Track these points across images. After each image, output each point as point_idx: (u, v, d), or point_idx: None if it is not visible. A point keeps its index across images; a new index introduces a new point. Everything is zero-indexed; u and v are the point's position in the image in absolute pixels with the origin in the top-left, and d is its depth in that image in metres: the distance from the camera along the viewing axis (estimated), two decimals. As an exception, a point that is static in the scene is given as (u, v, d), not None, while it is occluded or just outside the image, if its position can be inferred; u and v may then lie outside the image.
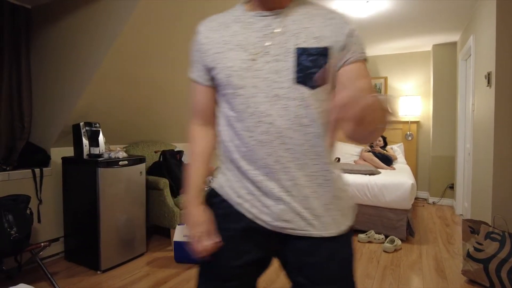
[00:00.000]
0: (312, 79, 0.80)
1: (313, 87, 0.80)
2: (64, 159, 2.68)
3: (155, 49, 2.64)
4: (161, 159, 3.28)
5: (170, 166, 3.23)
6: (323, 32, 0.81)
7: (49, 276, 2.17)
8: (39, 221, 2.64)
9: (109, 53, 2.36)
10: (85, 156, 2.54)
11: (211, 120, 0.95)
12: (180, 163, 3.40)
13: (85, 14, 2.45)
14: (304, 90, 0.80)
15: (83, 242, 2.56)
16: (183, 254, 2.63)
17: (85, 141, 2.55)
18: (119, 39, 2.31)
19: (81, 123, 2.56)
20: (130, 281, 2.33)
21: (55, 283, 2.16)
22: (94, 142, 2.59)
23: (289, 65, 0.80)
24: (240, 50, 0.83)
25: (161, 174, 3.18)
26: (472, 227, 2.40)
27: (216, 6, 2.63)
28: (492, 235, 2.27)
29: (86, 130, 2.57)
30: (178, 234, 2.65)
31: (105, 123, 2.93)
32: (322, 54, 0.80)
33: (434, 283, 2.35)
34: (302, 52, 0.80)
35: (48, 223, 2.71)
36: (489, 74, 2.67)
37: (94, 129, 2.60)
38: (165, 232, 3.36)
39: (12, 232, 2.02)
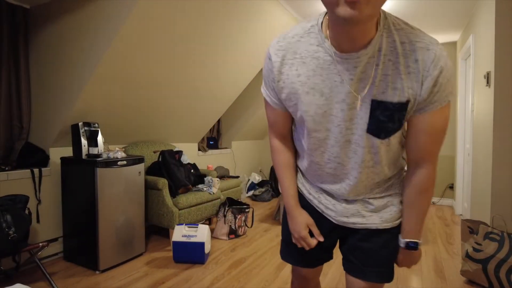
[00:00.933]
0: (384, 131, 0.80)
1: (383, 138, 0.81)
2: (63, 159, 2.68)
3: (153, 48, 2.64)
4: (160, 159, 3.28)
5: (169, 166, 3.23)
6: (405, 81, 0.74)
7: (48, 276, 2.18)
8: (38, 221, 2.64)
9: (108, 52, 2.36)
10: (83, 156, 2.54)
11: (288, 135, 1.03)
12: (179, 163, 3.40)
13: (83, 14, 2.45)
14: (374, 140, 0.82)
15: (82, 242, 2.56)
16: (181, 254, 2.63)
17: (84, 141, 2.55)
18: (117, 38, 2.31)
19: (80, 123, 2.56)
20: (129, 281, 2.33)
21: (53, 283, 2.16)
22: (93, 142, 2.59)
23: (363, 114, 0.79)
24: (317, 94, 0.80)
25: (160, 174, 3.18)
26: (471, 227, 2.40)
27: (215, 5, 2.63)
28: (491, 235, 2.26)
29: (85, 130, 2.57)
30: (177, 234, 2.65)
31: (104, 123, 2.93)
32: (399, 109, 0.77)
33: (433, 283, 2.35)
34: (377, 106, 0.77)
35: (47, 223, 2.72)
36: (488, 73, 2.67)
37: (93, 129, 2.60)
38: (164, 232, 3.37)
39: (10, 232, 2.02)
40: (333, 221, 1.01)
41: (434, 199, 4.81)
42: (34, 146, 2.72)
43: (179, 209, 3.04)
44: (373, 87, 0.75)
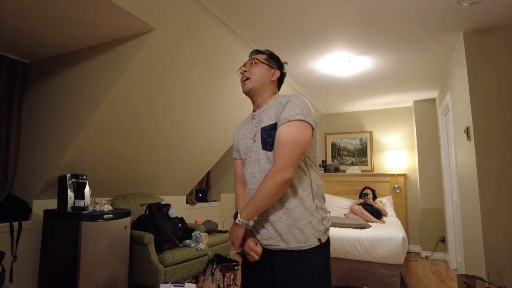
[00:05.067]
0: (268, 145, 1.26)
1: (269, 150, 1.26)
2: (46, 212, 2.58)
3: (146, 103, 2.72)
4: (147, 213, 3.19)
5: (156, 220, 3.13)
6: (273, 112, 1.28)
7: None
8: (10, 280, 2.45)
9: (101, 107, 2.41)
10: (69, 209, 2.46)
11: (243, 179, 1.43)
12: (166, 217, 3.30)
13: (80, 70, 2.55)
14: (266, 152, 1.27)
15: (58, 303, 2.37)
16: (166, 316, 2.44)
17: (70, 193, 2.49)
18: (111, 94, 2.38)
19: (68, 175, 2.52)
20: None
21: None
22: (79, 194, 2.52)
23: (258, 139, 1.31)
24: (246, 138, 1.39)
25: (147, 229, 3.06)
26: (467, 283, 2.34)
27: (205, 61, 2.78)
28: (488, 291, 2.20)
29: (72, 182, 2.52)
30: (162, 294, 2.49)
31: (91, 175, 2.88)
32: (272, 128, 1.25)
33: None
34: (262, 130, 1.29)
35: (21, 282, 2.52)
36: (467, 128, 2.80)
37: (81, 181, 2.55)
38: (148, 292, 3.15)
39: (-19, 292, 1.86)
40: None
41: (427, 253, 4.72)
42: (17, 198, 2.63)
43: (165, 266, 2.88)
44: (262, 122, 1.31)
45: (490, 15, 2.50)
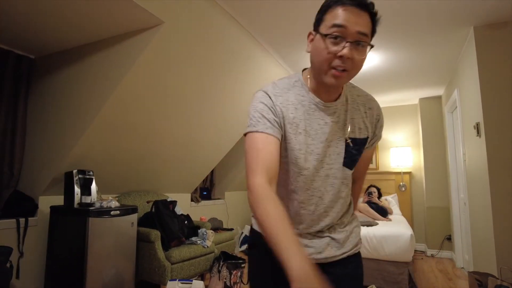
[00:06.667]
0: (353, 162, 0.98)
1: (351, 168, 0.99)
2: (53, 208, 2.55)
3: (154, 99, 2.69)
4: (153, 210, 3.16)
5: (162, 217, 3.11)
6: (365, 123, 0.99)
7: None
8: (17, 276, 2.43)
9: (108, 102, 2.38)
10: (75, 205, 2.44)
11: (275, 176, 0.86)
12: (173, 214, 3.28)
13: (86, 64, 2.53)
14: (347, 172, 0.98)
15: (65, 300, 2.34)
16: (174, 313, 2.42)
17: (77, 189, 2.46)
18: (118, 88, 2.35)
19: (74, 171, 2.49)
20: None
21: None
22: (86, 190, 2.50)
23: (339, 151, 0.96)
24: (306, 135, 0.94)
25: (153, 226, 3.04)
26: (479, 280, 2.31)
27: (210, 59, 2.76)
28: (501, 288, 2.17)
29: (79, 178, 2.50)
30: (169, 291, 2.46)
31: (98, 171, 2.86)
32: (363, 143, 0.99)
33: None
34: (352, 142, 0.97)
35: (28, 279, 2.50)
36: (477, 124, 2.77)
37: (88, 177, 2.53)
38: (154, 289, 3.13)
39: (-11, 288, 1.84)
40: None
41: (433, 251, 4.69)
42: (23, 195, 2.60)
43: (172, 264, 2.86)
44: (345, 128, 0.96)
45: (501, 9, 2.47)
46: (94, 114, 2.43)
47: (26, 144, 2.74)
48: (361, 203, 4.40)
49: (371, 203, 4.39)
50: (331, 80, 0.85)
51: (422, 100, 5.00)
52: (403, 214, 4.68)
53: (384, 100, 5.09)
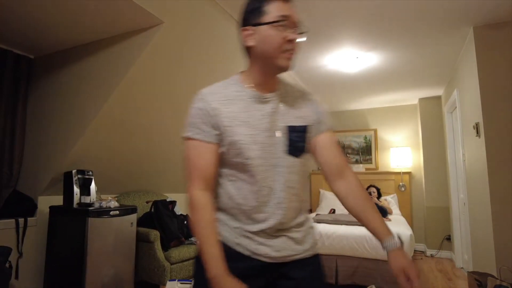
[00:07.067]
0: (298, 150, 1.01)
1: (298, 156, 1.01)
2: (52, 208, 2.55)
3: (153, 99, 2.69)
4: (152, 210, 3.16)
5: (161, 217, 3.11)
6: (304, 112, 1.05)
7: None
8: (16, 277, 2.42)
9: (107, 103, 2.38)
10: (75, 205, 2.43)
11: (211, 183, 0.99)
12: (172, 214, 3.27)
13: (85, 64, 2.52)
14: (294, 160, 1.00)
15: (64, 301, 2.34)
16: (173, 313, 2.42)
17: (76, 189, 2.46)
18: (118, 88, 2.35)
19: (74, 171, 2.49)
20: None
21: None
22: (85, 190, 2.50)
23: (281, 139, 0.99)
24: (247, 126, 0.97)
25: (152, 226, 3.03)
26: (479, 280, 2.31)
27: (213, 55, 2.75)
28: (500, 288, 2.17)
29: (78, 178, 2.49)
30: (169, 291, 2.46)
31: (97, 171, 2.85)
32: (303, 131, 1.02)
33: None
34: (292, 130, 1.01)
35: (27, 280, 2.50)
36: (477, 124, 2.78)
37: (87, 177, 2.53)
38: (154, 290, 3.12)
39: (-12, 288, 1.84)
40: (266, 260, 0.97)
41: (432, 251, 4.69)
42: (22, 194, 2.60)
43: (171, 264, 2.85)
44: (284, 117, 1.01)
45: (500, 9, 2.47)
46: (93, 114, 2.43)
47: (26, 144, 2.73)
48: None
49: (370, 203, 4.38)
50: (286, 62, 0.95)
51: (421, 100, 5.01)
52: (403, 214, 4.68)
53: (383, 100, 5.09)
